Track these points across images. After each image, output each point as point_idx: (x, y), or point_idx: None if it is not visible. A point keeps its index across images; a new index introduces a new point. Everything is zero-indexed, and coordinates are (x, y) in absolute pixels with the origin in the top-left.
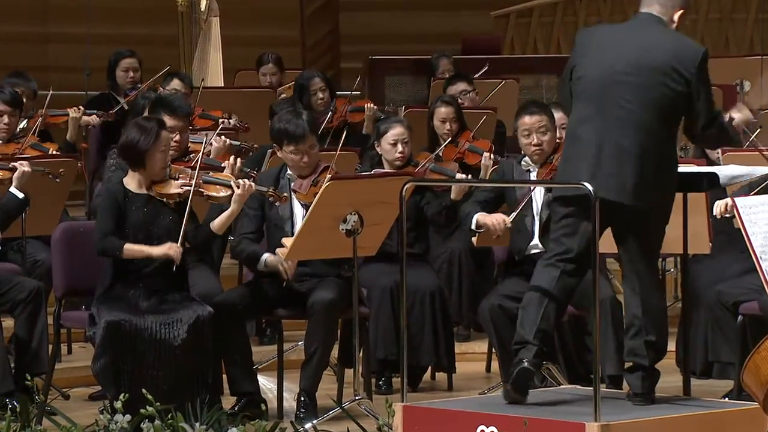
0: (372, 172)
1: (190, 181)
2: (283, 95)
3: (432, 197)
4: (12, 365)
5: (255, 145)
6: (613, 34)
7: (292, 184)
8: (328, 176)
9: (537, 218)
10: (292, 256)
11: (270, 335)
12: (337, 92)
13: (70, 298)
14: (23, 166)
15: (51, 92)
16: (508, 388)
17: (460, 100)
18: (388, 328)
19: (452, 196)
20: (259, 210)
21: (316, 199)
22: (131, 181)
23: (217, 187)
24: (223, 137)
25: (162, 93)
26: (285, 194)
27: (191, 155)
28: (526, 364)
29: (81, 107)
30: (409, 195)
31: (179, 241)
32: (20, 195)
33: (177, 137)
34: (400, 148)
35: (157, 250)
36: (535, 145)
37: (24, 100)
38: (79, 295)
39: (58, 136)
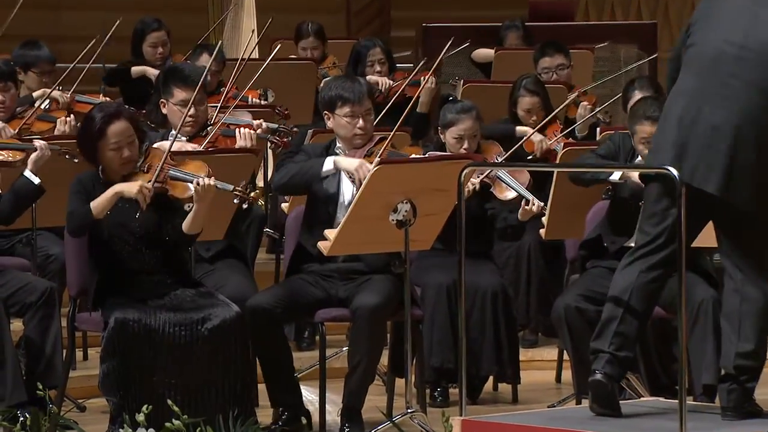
0: (426, 155)
1: (153, 175)
2: (327, 78)
3: (498, 205)
4: (23, 373)
5: (295, 129)
6: (738, 2)
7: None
8: (384, 152)
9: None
10: (336, 250)
11: (310, 339)
12: (401, 65)
13: (86, 298)
14: (43, 149)
15: (71, 65)
16: (593, 404)
17: (555, 76)
18: (444, 332)
19: (519, 217)
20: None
21: (363, 185)
22: (103, 172)
23: (182, 185)
24: (261, 122)
25: (168, 65)
26: (253, 194)
27: (208, 129)
28: (598, 376)
29: (108, 99)
30: (468, 180)
31: (151, 181)
32: (36, 180)
33: (192, 111)
34: (465, 144)
35: (127, 187)
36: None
37: (45, 77)
38: None
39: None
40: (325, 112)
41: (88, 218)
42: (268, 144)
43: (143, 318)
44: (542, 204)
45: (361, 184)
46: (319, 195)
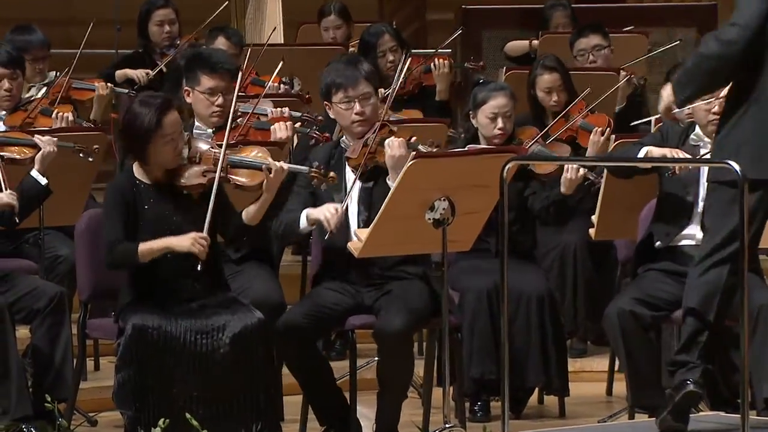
0: (466, 149)
1: (213, 165)
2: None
3: (539, 188)
4: (29, 384)
5: (319, 117)
6: None
7: (346, 152)
8: (377, 139)
9: (700, 201)
10: (367, 251)
11: (340, 348)
12: (416, 50)
13: (98, 303)
14: (49, 145)
15: (80, 50)
16: (667, 416)
17: (591, 57)
18: (485, 340)
19: (562, 189)
20: (310, 186)
21: (396, 181)
22: (141, 170)
23: (247, 172)
24: (284, 108)
25: (201, 48)
26: (333, 174)
27: (238, 120)
28: (692, 387)
29: (109, 85)
30: (511, 176)
31: (204, 230)
32: (43, 180)
33: (219, 100)
34: (500, 123)
35: (177, 241)
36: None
37: (38, 64)
38: (108, 298)
39: (81, 112)
40: (325, 102)
41: (133, 260)
42: (295, 138)
43: (163, 325)
44: (586, 169)
45: (332, 226)
46: (324, 197)
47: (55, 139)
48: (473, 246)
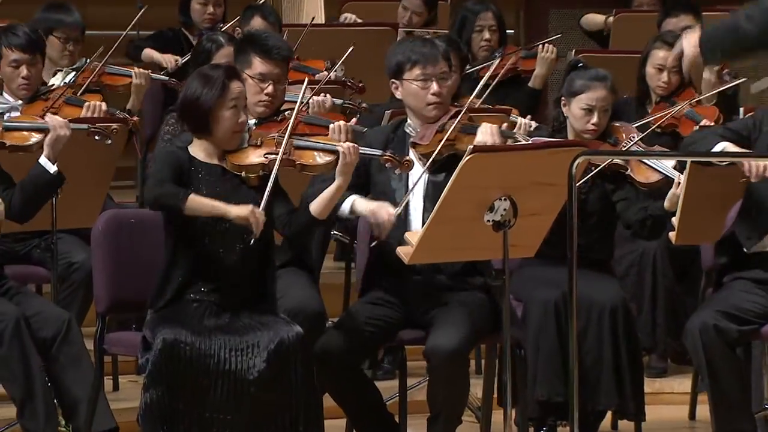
0: (530, 141)
1: (276, 148)
2: None
3: (632, 193)
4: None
5: (363, 105)
6: None
7: (412, 137)
8: (457, 127)
9: None
10: (419, 257)
11: (390, 366)
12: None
13: (118, 315)
14: (60, 128)
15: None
16: None
17: None
18: (551, 358)
19: (666, 204)
20: (362, 176)
21: (451, 180)
22: (198, 150)
23: (314, 153)
24: (325, 95)
25: (251, 30)
26: (408, 158)
27: (286, 113)
28: None
29: (148, 72)
30: (580, 172)
31: (261, 205)
32: (52, 168)
33: (270, 88)
34: (595, 118)
35: (234, 208)
36: None
37: (69, 45)
38: (129, 310)
39: (114, 101)
40: (393, 80)
41: (177, 204)
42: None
43: (197, 341)
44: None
45: (380, 232)
46: (380, 187)
47: (66, 121)
48: (539, 251)
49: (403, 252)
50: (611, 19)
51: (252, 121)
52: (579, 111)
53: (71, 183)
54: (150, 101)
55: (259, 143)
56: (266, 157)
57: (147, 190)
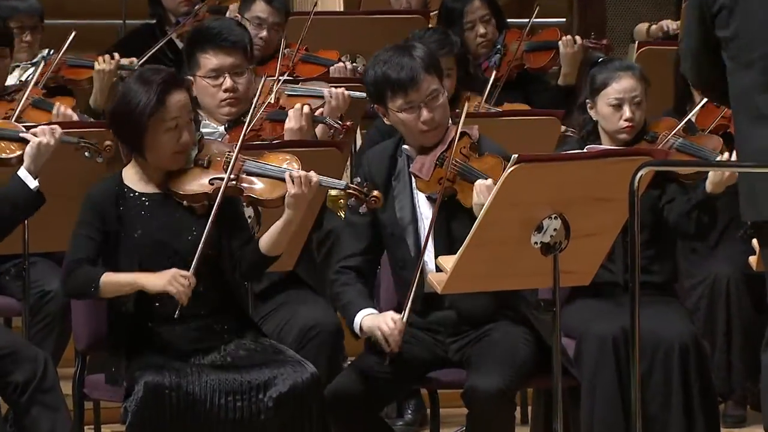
0: (584, 150)
1: (225, 170)
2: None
3: (677, 191)
4: None
5: None
6: None
7: (411, 165)
8: (449, 162)
9: None
10: (454, 286)
11: (414, 416)
12: (513, 20)
13: (100, 354)
14: (45, 135)
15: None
16: None
17: None
18: (610, 403)
19: (707, 187)
20: (368, 214)
21: (492, 194)
22: (133, 175)
23: (268, 182)
24: (341, 90)
25: (203, 23)
26: (377, 193)
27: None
28: None
29: (115, 56)
30: (644, 186)
31: (192, 266)
32: (32, 183)
33: (227, 82)
34: (627, 112)
35: (150, 279)
36: None
37: (26, 35)
38: None
39: (80, 99)
40: (376, 106)
41: (91, 292)
42: (321, 130)
43: (183, 383)
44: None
45: (393, 345)
46: (389, 227)
47: (57, 128)
48: (594, 279)
49: (436, 280)
50: (654, 26)
51: (220, 128)
52: (607, 108)
53: (49, 199)
54: None
55: (205, 163)
56: (211, 184)
57: (62, 278)
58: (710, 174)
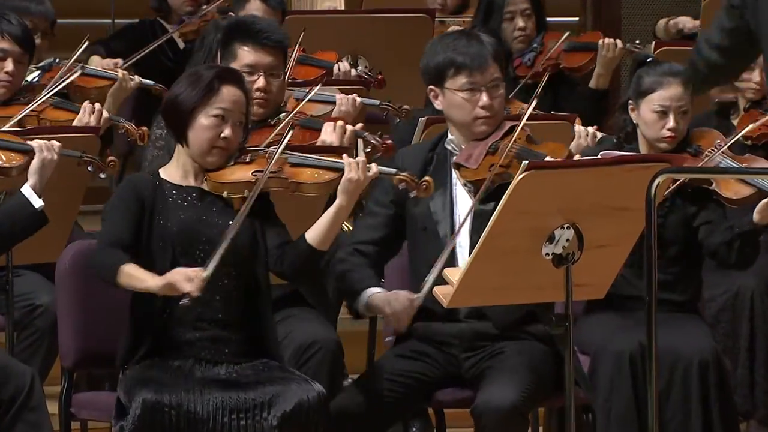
0: (597, 156)
1: (268, 162)
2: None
3: (717, 214)
4: None
5: (405, 107)
6: None
7: (454, 157)
8: (512, 149)
9: None
10: (461, 299)
11: (419, 430)
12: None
13: (88, 371)
14: (46, 150)
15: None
16: None
17: None
18: (626, 423)
19: (755, 217)
20: (391, 206)
21: (501, 203)
22: (174, 170)
23: (312, 170)
24: (352, 96)
25: (234, 17)
26: (427, 180)
27: (283, 114)
28: None
29: (135, 77)
30: (662, 194)
31: (209, 264)
32: (37, 202)
33: (260, 81)
34: (671, 122)
35: (152, 284)
36: None
37: (36, 39)
38: (101, 365)
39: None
40: (431, 87)
41: (109, 277)
42: (361, 144)
43: (185, 401)
44: None
45: (399, 325)
46: (421, 221)
47: (55, 143)
48: (615, 291)
49: (442, 293)
50: (672, 21)
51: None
52: (651, 115)
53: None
54: (129, 108)
55: (248, 160)
56: (254, 175)
57: (91, 256)
58: (760, 205)
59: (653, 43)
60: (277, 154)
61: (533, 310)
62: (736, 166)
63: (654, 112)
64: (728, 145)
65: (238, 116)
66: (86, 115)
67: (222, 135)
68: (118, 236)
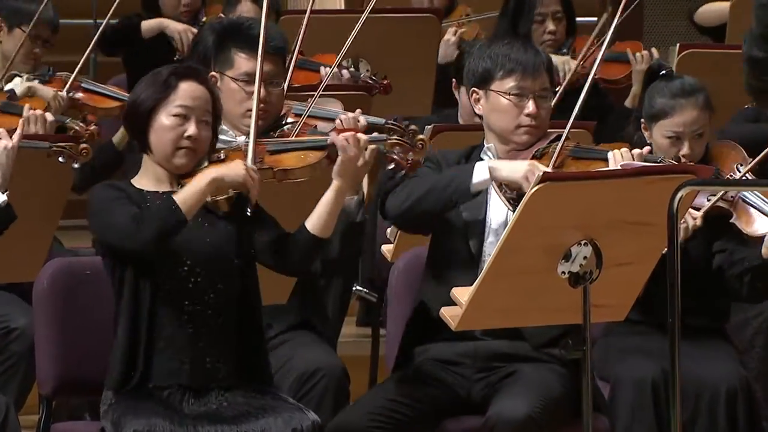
0: (617, 167)
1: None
2: (466, 43)
3: (737, 248)
4: None
5: (411, 126)
6: None
7: None
8: (562, 155)
9: None
10: (470, 322)
11: None
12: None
13: (67, 399)
14: (6, 140)
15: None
16: None
17: None
18: None
19: (763, 251)
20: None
21: (514, 216)
22: (144, 178)
23: (295, 154)
24: (355, 114)
25: (230, 19)
26: (422, 136)
27: (285, 128)
28: None
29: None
30: (687, 207)
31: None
32: (1, 197)
33: (262, 92)
34: (685, 148)
35: (225, 170)
36: None
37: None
38: (82, 392)
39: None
40: (474, 89)
41: (177, 217)
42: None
43: None
44: None
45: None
46: (452, 225)
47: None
48: (630, 314)
49: (449, 315)
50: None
51: (240, 138)
52: (663, 140)
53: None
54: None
55: (222, 157)
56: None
57: (136, 234)
58: (765, 241)
59: (677, 45)
60: (251, 142)
61: (570, 330)
62: (763, 200)
63: (666, 138)
64: (750, 167)
65: (201, 113)
66: (31, 125)
67: (186, 134)
68: (133, 210)
